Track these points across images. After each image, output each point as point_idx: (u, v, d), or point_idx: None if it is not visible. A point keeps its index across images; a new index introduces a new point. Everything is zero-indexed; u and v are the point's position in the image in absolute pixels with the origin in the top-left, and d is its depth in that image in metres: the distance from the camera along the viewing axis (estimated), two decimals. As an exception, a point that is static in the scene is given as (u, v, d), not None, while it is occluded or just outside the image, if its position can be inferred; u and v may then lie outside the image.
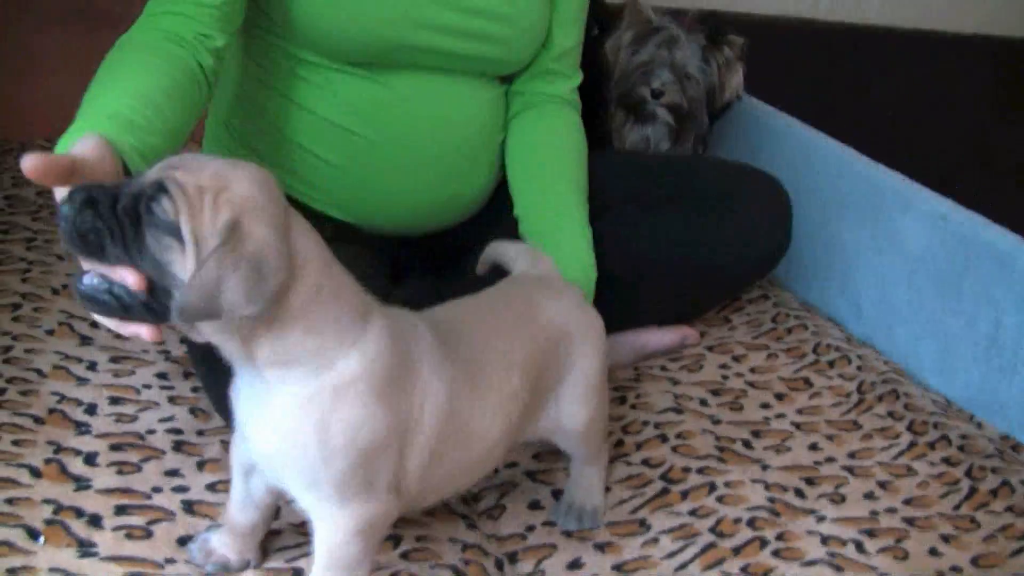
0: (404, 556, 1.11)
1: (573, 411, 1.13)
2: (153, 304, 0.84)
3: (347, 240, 1.27)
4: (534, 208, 1.42)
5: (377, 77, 1.35)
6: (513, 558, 1.16)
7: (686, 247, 1.51)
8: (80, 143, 0.94)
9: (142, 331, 0.88)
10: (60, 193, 0.88)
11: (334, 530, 0.94)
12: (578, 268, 1.35)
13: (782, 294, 1.81)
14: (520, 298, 1.13)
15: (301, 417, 0.89)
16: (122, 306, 0.85)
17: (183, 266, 0.82)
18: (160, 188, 0.82)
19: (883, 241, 1.68)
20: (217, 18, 1.20)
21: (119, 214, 0.82)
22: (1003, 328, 1.48)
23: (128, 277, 0.83)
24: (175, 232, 0.82)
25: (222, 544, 1.05)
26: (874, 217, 1.70)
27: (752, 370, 1.57)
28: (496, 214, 1.48)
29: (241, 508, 1.04)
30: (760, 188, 1.58)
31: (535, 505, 1.24)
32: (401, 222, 1.43)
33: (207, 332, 0.87)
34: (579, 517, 1.20)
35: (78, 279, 0.86)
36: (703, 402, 1.47)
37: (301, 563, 1.07)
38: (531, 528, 1.20)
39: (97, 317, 0.89)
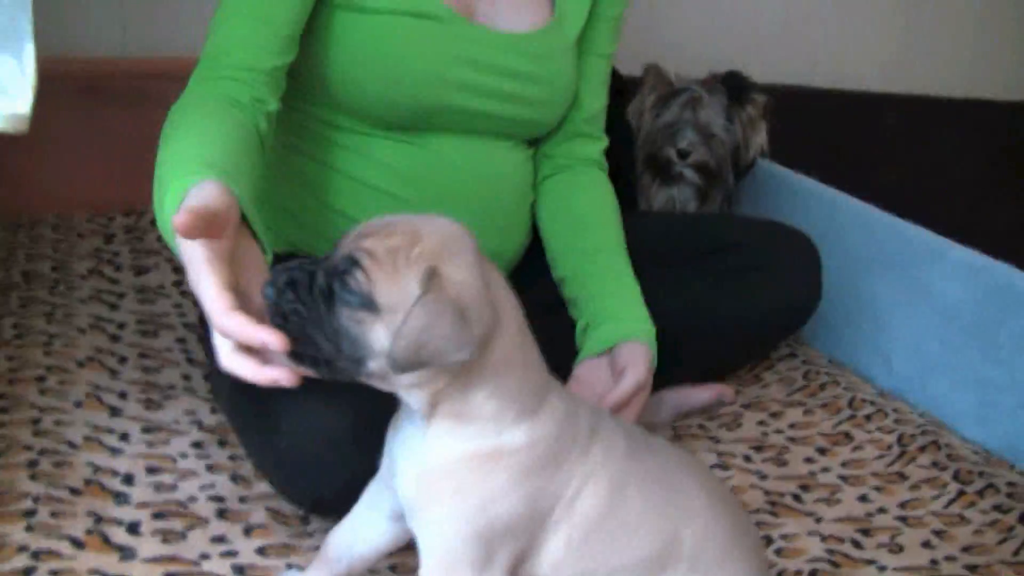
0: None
1: None
2: (330, 364, 0.85)
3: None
4: (581, 272, 1.41)
5: (413, 139, 1.34)
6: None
7: (717, 305, 1.50)
8: (201, 191, 0.92)
9: (281, 377, 0.86)
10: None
11: None
12: (640, 329, 1.35)
13: (809, 351, 1.80)
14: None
15: (445, 472, 0.87)
16: (323, 359, 0.85)
17: (378, 335, 0.82)
18: (352, 261, 0.83)
19: (914, 294, 1.67)
20: (268, 83, 1.20)
21: (315, 294, 0.83)
22: (1043, 375, 1.47)
23: (276, 341, 0.83)
24: (369, 303, 0.82)
25: None
26: (904, 270, 1.69)
27: (791, 426, 1.55)
28: (531, 275, 1.46)
29: (349, 528, 1.01)
30: (790, 244, 1.58)
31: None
32: (443, 285, 1.42)
33: (402, 384, 0.86)
34: None
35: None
36: (747, 458, 1.45)
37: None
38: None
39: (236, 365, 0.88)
